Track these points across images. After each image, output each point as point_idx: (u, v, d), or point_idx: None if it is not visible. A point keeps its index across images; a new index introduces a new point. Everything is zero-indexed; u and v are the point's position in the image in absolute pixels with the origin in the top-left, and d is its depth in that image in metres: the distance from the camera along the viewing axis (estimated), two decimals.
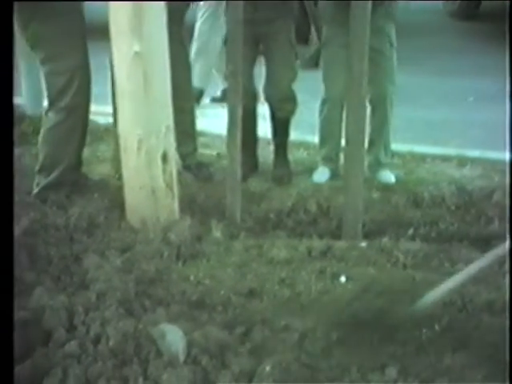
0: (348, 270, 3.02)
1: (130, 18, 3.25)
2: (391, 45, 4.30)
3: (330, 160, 4.50)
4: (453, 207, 3.98)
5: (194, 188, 4.19)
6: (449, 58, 7.42)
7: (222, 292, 2.84)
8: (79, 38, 3.81)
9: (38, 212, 3.54)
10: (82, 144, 4.03)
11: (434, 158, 4.82)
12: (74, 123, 3.90)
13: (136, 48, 3.28)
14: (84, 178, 4.13)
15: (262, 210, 3.95)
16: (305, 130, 5.00)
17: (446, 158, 4.79)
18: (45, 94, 4.04)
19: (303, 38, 4.58)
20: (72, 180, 3.97)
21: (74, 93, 3.81)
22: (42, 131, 3.96)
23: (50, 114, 3.89)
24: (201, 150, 4.65)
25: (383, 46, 4.23)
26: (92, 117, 5.20)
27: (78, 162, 4.05)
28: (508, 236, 2.36)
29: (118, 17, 3.29)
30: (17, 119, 5.40)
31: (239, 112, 3.70)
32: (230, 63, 3.69)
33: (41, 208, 3.65)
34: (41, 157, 3.99)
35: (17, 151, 4.90)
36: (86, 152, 4.29)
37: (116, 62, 3.40)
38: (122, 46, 3.32)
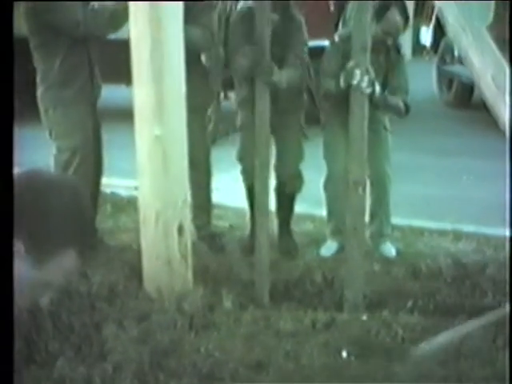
0: (350, 345, 2.93)
1: (153, 104, 3.27)
2: (385, 129, 4.31)
3: (339, 233, 4.37)
4: (449, 279, 3.88)
5: (208, 258, 4.10)
6: (445, 140, 7.42)
7: (231, 364, 2.75)
8: (84, 120, 3.91)
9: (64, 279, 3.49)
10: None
11: (431, 232, 4.74)
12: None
13: (157, 132, 3.29)
14: (106, 246, 4.08)
15: (269, 280, 3.88)
16: (312, 204, 4.91)
17: (442, 233, 4.71)
18: None
19: (314, 119, 4.54)
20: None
21: (74, 169, 3.84)
22: None
23: None
24: (215, 222, 4.60)
25: (379, 129, 4.21)
26: (115, 189, 5.23)
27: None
28: None
29: (142, 103, 3.32)
30: None
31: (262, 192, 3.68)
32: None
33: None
34: None
35: None
36: (110, 222, 4.27)
37: (138, 143, 3.41)
38: (144, 130, 3.34)
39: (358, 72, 3.47)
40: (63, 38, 3.78)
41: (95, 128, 4.07)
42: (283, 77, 3.97)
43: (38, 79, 3.93)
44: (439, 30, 9.74)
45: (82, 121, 3.94)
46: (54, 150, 3.98)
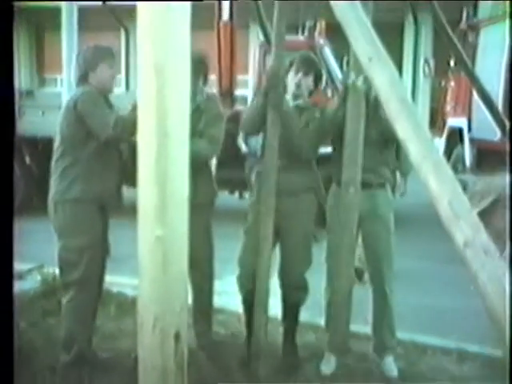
0: None
1: (155, 205, 3.05)
2: (389, 231, 4.00)
3: (336, 344, 4.01)
4: None
5: (206, 370, 3.72)
6: (452, 247, 7.09)
7: None
8: (90, 221, 3.69)
9: None
10: (93, 321, 3.76)
11: (435, 350, 4.32)
12: (86, 300, 3.64)
13: (158, 232, 3.05)
14: (105, 357, 3.78)
15: None
16: (315, 312, 4.53)
17: (446, 352, 4.29)
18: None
19: (322, 222, 4.28)
20: (89, 357, 3.64)
21: (83, 270, 3.59)
22: (63, 306, 3.71)
23: (64, 290, 3.66)
24: (216, 329, 4.25)
25: (382, 231, 3.94)
26: (121, 288, 4.91)
27: (91, 339, 3.74)
28: None
29: (145, 203, 3.11)
30: (54, 288, 5.16)
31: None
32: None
33: None
34: (62, 332, 3.71)
35: (51, 320, 4.63)
36: (111, 325, 3.96)
37: (139, 243, 3.17)
38: (146, 230, 3.10)
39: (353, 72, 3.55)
40: (91, 140, 3.65)
41: (104, 225, 3.83)
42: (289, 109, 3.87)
43: (57, 177, 3.73)
44: (452, 141, 9.76)
45: (92, 218, 3.71)
46: (59, 248, 3.72)
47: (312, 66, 3.99)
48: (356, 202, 3.68)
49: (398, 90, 2.31)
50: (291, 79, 3.92)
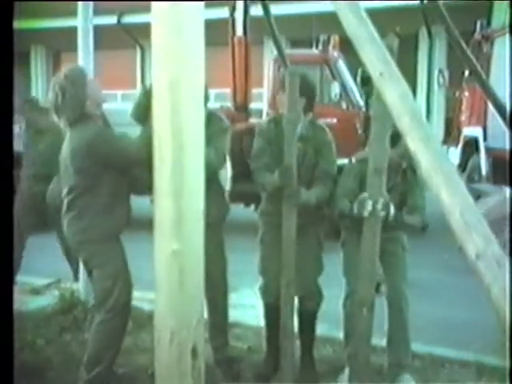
0: None
1: (172, 219, 3.07)
2: (403, 248, 4.06)
3: (357, 361, 3.97)
4: None
5: None
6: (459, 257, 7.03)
7: None
8: (116, 250, 3.72)
9: None
10: (122, 341, 3.77)
11: (453, 362, 4.28)
12: (118, 323, 3.66)
13: (174, 246, 3.06)
14: (121, 372, 3.80)
15: None
16: (332, 325, 4.47)
17: (464, 364, 4.25)
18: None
19: (335, 232, 4.28)
20: (107, 376, 3.66)
21: (117, 295, 3.61)
22: (92, 327, 3.73)
23: (97, 314, 3.68)
24: (233, 343, 4.25)
25: (397, 249, 4.00)
26: (137, 303, 4.90)
27: (114, 360, 3.75)
28: None
29: (161, 217, 3.12)
30: (71, 304, 5.19)
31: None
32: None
33: None
34: (87, 352, 3.71)
35: (68, 337, 4.66)
36: (128, 340, 3.95)
37: (156, 258, 3.18)
38: (163, 244, 3.11)
39: (370, 202, 3.35)
40: (109, 177, 3.61)
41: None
42: (312, 196, 3.80)
43: (76, 215, 3.67)
44: (467, 150, 9.72)
45: (116, 246, 3.75)
46: (94, 277, 3.74)
47: (303, 87, 3.83)
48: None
49: (409, 105, 2.32)
50: (285, 99, 3.80)
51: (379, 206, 3.35)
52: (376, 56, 2.40)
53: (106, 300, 3.62)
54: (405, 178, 3.96)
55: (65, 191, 3.70)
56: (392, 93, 2.33)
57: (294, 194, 3.71)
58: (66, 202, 3.69)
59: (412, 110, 2.28)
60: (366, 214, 3.37)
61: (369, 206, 3.34)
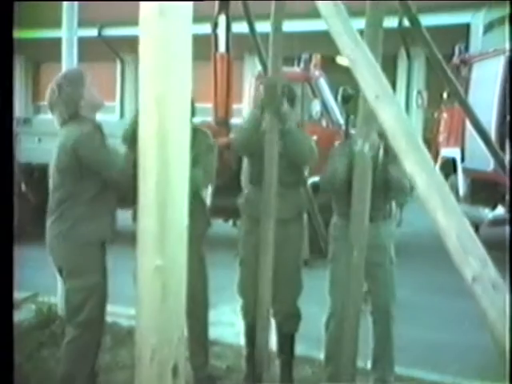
0: None
1: (155, 234, 3.01)
2: (391, 261, 3.98)
3: (336, 381, 3.92)
4: None
5: None
6: (449, 279, 7.03)
7: None
8: (96, 262, 3.60)
9: None
10: (96, 358, 3.64)
11: None
12: (89, 341, 3.53)
13: (158, 262, 3.00)
14: None
15: None
16: (311, 345, 4.43)
17: None
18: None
19: (317, 248, 4.25)
20: None
21: (88, 311, 3.49)
22: (63, 344, 3.60)
23: (68, 329, 3.56)
24: (212, 361, 4.17)
25: (384, 261, 3.92)
26: (116, 318, 4.81)
27: (92, 375, 3.63)
28: None
29: (144, 232, 3.07)
30: (48, 319, 5.06)
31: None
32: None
33: None
34: (60, 372, 3.59)
35: (45, 353, 4.53)
36: (107, 357, 3.86)
37: (139, 273, 3.12)
38: (145, 259, 3.06)
39: (360, 140, 3.46)
40: (94, 181, 3.55)
41: (105, 264, 3.73)
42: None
43: (59, 216, 3.58)
44: (445, 171, 9.81)
45: (97, 259, 3.63)
46: (66, 289, 3.63)
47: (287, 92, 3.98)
48: (365, 235, 3.62)
49: (405, 126, 2.30)
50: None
51: (367, 147, 3.42)
52: (372, 78, 2.39)
53: (77, 315, 3.50)
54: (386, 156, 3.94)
55: (50, 190, 3.64)
56: (388, 115, 2.32)
57: (277, 107, 3.77)
58: (50, 202, 3.63)
59: (408, 132, 2.28)
60: (356, 148, 3.46)
61: (359, 143, 3.44)
